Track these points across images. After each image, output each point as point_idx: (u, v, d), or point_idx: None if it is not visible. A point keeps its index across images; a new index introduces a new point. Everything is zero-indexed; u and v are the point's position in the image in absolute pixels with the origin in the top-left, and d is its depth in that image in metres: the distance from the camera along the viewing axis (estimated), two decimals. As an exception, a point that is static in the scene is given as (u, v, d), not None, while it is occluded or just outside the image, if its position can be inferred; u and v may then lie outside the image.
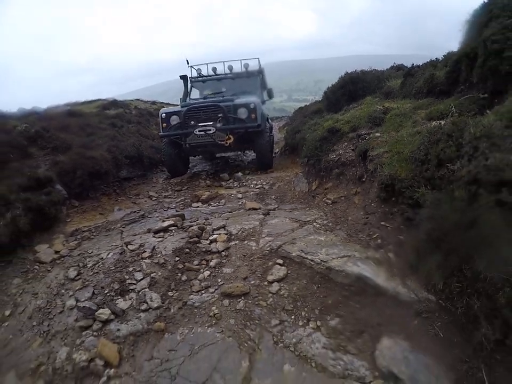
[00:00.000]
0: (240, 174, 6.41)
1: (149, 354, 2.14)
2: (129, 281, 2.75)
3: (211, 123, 6.41)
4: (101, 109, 10.55)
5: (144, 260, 3.01)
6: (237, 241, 3.28)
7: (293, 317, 2.31)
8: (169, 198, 5.58)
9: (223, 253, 3.11)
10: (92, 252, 3.33)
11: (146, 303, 2.53)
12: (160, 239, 3.42)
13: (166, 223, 3.75)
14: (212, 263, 2.97)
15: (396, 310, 2.13)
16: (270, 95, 8.85)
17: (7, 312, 2.65)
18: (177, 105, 7.60)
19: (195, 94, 8.63)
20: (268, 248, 3.01)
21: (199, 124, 6.44)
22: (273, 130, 9.91)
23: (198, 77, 8.54)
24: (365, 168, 3.59)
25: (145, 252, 3.13)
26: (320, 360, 1.97)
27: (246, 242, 3.24)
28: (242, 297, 2.52)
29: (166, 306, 2.52)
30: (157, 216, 4.40)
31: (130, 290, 2.66)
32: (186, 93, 8.15)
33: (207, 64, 8.58)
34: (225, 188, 5.77)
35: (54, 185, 4.34)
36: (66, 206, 4.43)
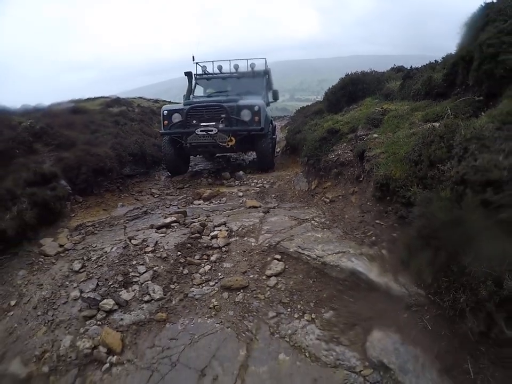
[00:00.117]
0: (241, 172, 6.44)
1: (151, 342, 2.23)
2: (132, 274, 2.86)
3: (213, 123, 6.30)
4: (104, 106, 10.59)
5: (147, 254, 3.12)
6: (237, 238, 3.37)
7: (289, 309, 2.40)
8: (171, 195, 5.66)
9: (224, 249, 3.20)
10: (96, 246, 3.43)
11: (149, 294, 2.63)
12: (162, 234, 3.54)
13: (168, 220, 3.86)
14: (213, 258, 3.07)
15: (387, 303, 2.23)
16: (275, 97, 8.69)
17: (13, 302, 2.73)
18: (181, 103, 7.45)
19: (199, 92, 8.53)
20: (267, 244, 3.11)
21: (201, 124, 6.32)
22: (276, 131, 9.82)
23: (203, 74, 8.43)
24: (362, 168, 3.69)
25: (148, 246, 3.25)
26: (314, 350, 2.07)
27: (246, 238, 3.34)
28: (241, 291, 2.62)
29: (167, 298, 2.63)
30: (160, 213, 4.50)
31: (133, 283, 2.77)
32: (190, 90, 7.89)
33: (212, 61, 8.48)
34: (226, 186, 5.83)
35: (58, 180, 4.42)
36: (71, 201, 4.52)
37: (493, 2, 3.61)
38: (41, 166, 4.47)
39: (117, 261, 3.07)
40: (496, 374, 1.68)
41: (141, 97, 14.96)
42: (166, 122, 6.66)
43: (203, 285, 2.77)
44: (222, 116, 6.29)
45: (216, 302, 2.53)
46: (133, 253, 3.16)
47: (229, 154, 8.87)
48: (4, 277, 3.00)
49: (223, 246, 3.23)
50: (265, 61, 8.46)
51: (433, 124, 3.11)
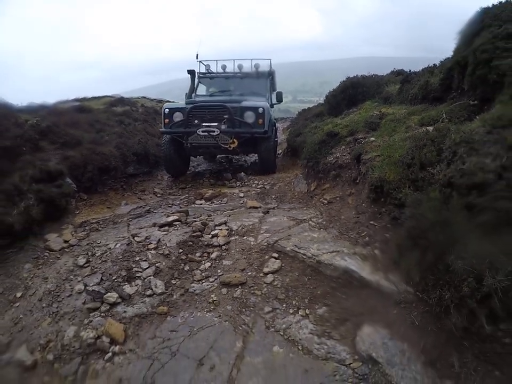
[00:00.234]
0: (243, 174, 6.49)
1: (152, 333, 2.35)
2: (135, 269, 2.97)
3: (215, 124, 6.12)
4: (108, 105, 10.60)
5: (150, 251, 3.24)
6: (237, 237, 3.48)
7: (284, 305, 2.51)
8: (174, 195, 5.76)
9: (224, 247, 3.31)
10: (100, 242, 3.55)
11: (151, 289, 2.75)
12: (165, 232, 3.65)
13: (170, 218, 3.97)
14: (213, 256, 3.18)
15: (378, 300, 2.33)
16: (279, 99, 8.31)
17: (19, 294, 2.85)
18: (183, 102, 7.18)
19: (201, 91, 8.38)
20: (265, 243, 3.22)
21: (203, 124, 6.14)
22: (277, 133, 9.49)
23: (206, 73, 8.28)
24: (359, 170, 3.79)
25: (151, 243, 3.36)
26: (306, 344, 2.17)
27: (245, 237, 3.44)
28: (239, 287, 2.73)
29: (169, 293, 2.74)
30: (162, 212, 4.62)
31: (136, 278, 2.89)
32: (193, 89, 7.82)
33: (216, 60, 8.33)
34: (228, 187, 5.92)
35: (64, 178, 4.53)
36: (76, 198, 4.65)
37: (488, 7, 3.67)
38: (47, 163, 4.55)
39: (120, 257, 3.18)
40: (479, 367, 1.77)
41: (144, 97, 14.94)
42: (167, 120, 6.49)
43: (203, 281, 2.87)
44: (225, 116, 6.12)
45: (215, 297, 2.64)
46: (136, 250, 3.27)
47: (230, 155, 8.62)
48: (10, 269, 3.12)
49: (223, 245, 3.34)
50: (270, 62, 8.26)
51: (427, 128, 3.20)
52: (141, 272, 2.94)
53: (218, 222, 3.83)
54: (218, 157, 8.86)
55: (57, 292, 2.85)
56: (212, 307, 2.55)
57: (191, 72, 7.54)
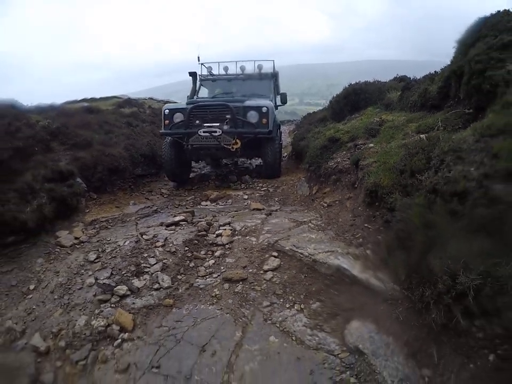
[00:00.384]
0: (247, 177, 6.62)
1: (159, 323, 2.55)
2: (144, 265, 3.18)
3: (217, 124, 5.93)
4: (116, 106, 10.79)
5: (158, 248, 3.44)
6: (240, 236, 3.67)
7: (281, 300, 2.69)
8: (180, 196, 5.95)
9: (227, 246, 3.51)
10: (109, 240, 3.76)
11: (158, 283, 2.94)
12: (171, 231, 3.86)
13: (177, 218, 4.18)
14: (217, 254, 3.38)
15: (367, 297, 2.50)
16: (283, 100, 8.30)
17: (32, 286, 3.04)
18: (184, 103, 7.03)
19: (204, 94, 8.35)
20: (266, 243, 3.40)
21: (205, 124, 5.95)
22: (282, 136, 9.51)
23: (207, 75, 8.21)
24: (357, 175, 3.95)
25: (159, 241, 3.57)
26: (300, 335, 2.35)
27: (247, 237, 3.64)
28: (241, 282, 2.92)
29: (175, 287, 2.94)
30: (169, 212, 4.84)
31: (144, 273, 3.09)
32: (194, 91, 7.72)
33: (218, 62, 8.28)
34: (232, 189, 6.06)
35: (75, 178, 4.74)
36: (86, 198, 4.85)
37: (487, 16, 3.74)
38: (58, 164, 4.74)
39: (129, 253, 3.38)
40: (455, 360, 1.92)
41: (151, 98, 14.99)
42: (167, 121, 6.30)
43: (207, 276, 3.07)
44: (227, 116, 5.94)
45: (218, 292, 2.83)
46: (144, 247, 3.47)
47: (236, 158, 8.30)
48: (23, 263, 3.30)
49: (227, 244, 3.53)
50: (273, 63, 8.17)
51: (422, 135, 3.35)
52: (149, 267, 3.14)
53: (222, 222, 4.02)
54: (223, 161, 8.73)
55: (69, 285, 3.03)
56: (215, 300, 2.74)
57: (193, 75, 7.48)
